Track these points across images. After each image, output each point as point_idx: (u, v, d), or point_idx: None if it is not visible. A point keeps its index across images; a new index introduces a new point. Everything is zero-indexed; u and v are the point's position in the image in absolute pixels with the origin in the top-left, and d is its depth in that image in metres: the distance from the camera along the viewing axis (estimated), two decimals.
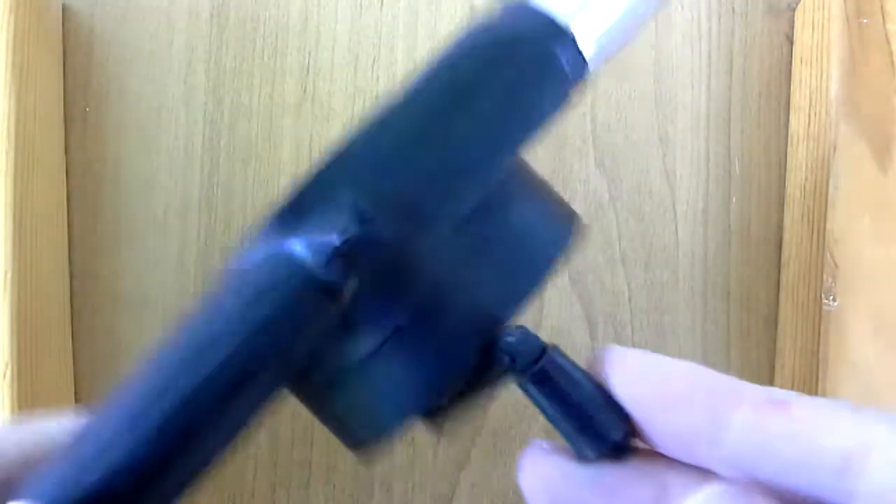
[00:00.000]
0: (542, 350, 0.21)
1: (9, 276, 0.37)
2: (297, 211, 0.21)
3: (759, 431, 0.19)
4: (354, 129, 0.22)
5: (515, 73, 0.22)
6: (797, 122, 0.45)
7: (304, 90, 0.46)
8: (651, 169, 0.45)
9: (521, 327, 0.21)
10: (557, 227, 0.23)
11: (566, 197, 0.45)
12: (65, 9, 0.45)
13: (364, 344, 0.21)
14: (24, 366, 0.37)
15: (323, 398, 0.22)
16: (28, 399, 0.38)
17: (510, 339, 0.21)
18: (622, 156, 0.46)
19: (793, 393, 0.19)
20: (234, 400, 0.19)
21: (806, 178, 0.43)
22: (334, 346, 0.21)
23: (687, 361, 0.20)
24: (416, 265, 0.21)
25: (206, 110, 0.45)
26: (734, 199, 0.46)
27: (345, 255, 0.20)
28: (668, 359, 0.20)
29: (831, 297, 0.40)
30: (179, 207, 0.45)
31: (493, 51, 0.23)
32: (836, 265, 0.40)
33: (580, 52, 0.24)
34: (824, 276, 0.40)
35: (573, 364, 0.21)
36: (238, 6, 0.46)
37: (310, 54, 0.46)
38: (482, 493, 0.44)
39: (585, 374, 0.21)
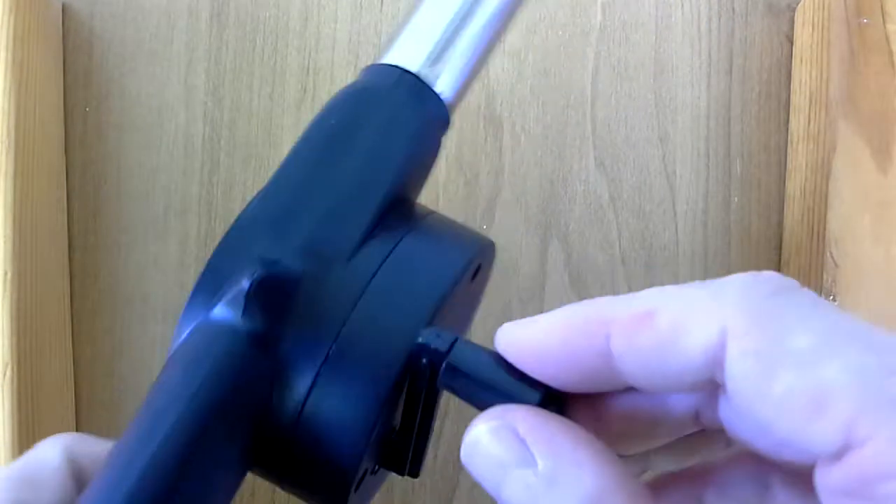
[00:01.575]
0: (452, 343, 0.22)
1: (9, 276, 0.37)
2: (210, 281, 0.23)
3: (633, 352, 0.19)
4: (251, 199, 0.24)
5: (379, 120, 0.26)
6: (797, 122, 0.45)
7: (304, 90, 0.46)
8: (651, 169, 0.45)
9: (432, 328, 0.22)
10: (457, 247, 0.25)
11: (566, 197, 0.45)
12: (65, 9, 0.45)
13: (299, 385, 0.22)
14: (24, 366, 0.37)
15: (281, 463, 0.23)
16: (28, 399, 0.38)
17: (420, 339, 0.22)
18: (622, 156, 0.46)
19: (653, 294, 0.19)
20: (191, 463, 0.20)
21: (806, 178, 0.43)
22: (273, 394, 0.22)
23: (563, 308, 0.21)
24: (327, 294, 0.23)
25: (206, 110, 0.45)
26: (734, 199, 0.46)
27: (257, 297, 0.21)
28: (544, 315, 0.21)
29: (831, 297, 0.40)
30: (179, 207, 0.45)
31: (357, 106, 0.26)
32: (836, 265, 0.40)
33: (436, 95, 0.27)
34: (824, 276, 0.40)
35: (480, 349, 0.22)
36: (238, 6, 0.46)
37: (310, 54, 0.46)
38: (482, 493, 0.44)
39: (493, 354, 0.22)
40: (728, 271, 0.45)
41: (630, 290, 0.45)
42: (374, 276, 0.23)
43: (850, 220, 0.40)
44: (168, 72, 0.45)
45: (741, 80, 0.46)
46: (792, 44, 0.46)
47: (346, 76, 0.45)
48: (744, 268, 0.45)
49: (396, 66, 0.27)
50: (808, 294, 0.18)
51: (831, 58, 0.41)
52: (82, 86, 0.45)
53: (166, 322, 0.44)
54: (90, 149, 0.45)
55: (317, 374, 0.22)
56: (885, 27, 0.41)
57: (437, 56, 0.27)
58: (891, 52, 0.41)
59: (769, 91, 0.46)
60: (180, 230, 0.45)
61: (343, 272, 0.23)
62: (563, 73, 0.46)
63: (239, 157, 0.45)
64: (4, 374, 0.36)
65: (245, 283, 0.22)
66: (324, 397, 0.22)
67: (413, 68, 0.27)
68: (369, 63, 0.44)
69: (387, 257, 0.23)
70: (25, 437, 0.37)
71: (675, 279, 0.45)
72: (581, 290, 0.45)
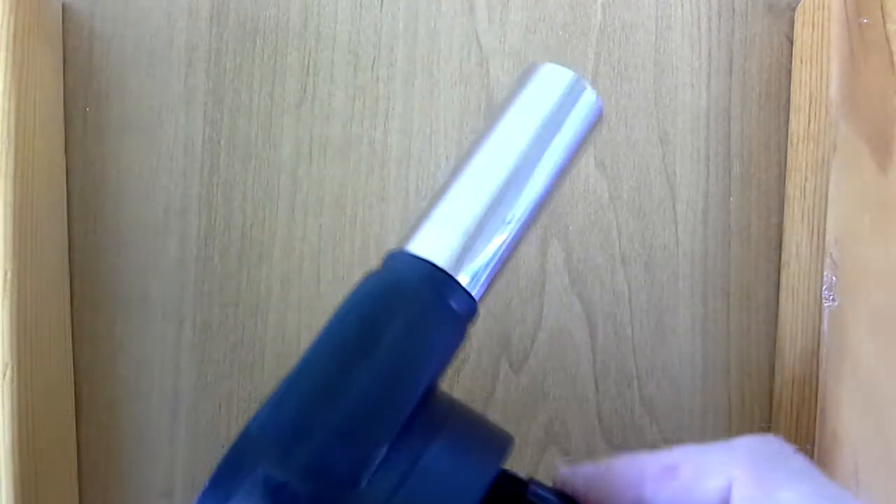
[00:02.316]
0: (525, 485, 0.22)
1: (9, 276, 0.37)
2: (217, 491, 0.21)
3: (662, 494, 0.24)
4: (264, 401, 0.23)
5: (405, 323, 0.24)
6: (797, 122, 0.45)
7: (304, 90, 0.46)
8: (651, 169, 0.45)
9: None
10: (483, 455, 0.24)
11: (566, 197, 0.45)
12: (65, 9, 0.45)
13: None
14: (24, 366, 0.37)
15: None
16: (28, 399, 0.38)
17: None
18: (622, 156, 0.46)
19: (677, 452, 0.25)
20: None
21: (806, 178, 0.43)
22: None
23: (610, 460, 0.26)
24: None
25: (206, 110, 0.45)
26: (734, 199, 0.46)
27: None
28: (592, 465, 0.26)
29: (831, 297, 0.40)
30: (179, 207, 0.45)
31: (381, 303, 0.24)
32: (836, 265, 0.40)
33: (466, 291, 0.25)
34: (824, 276, 0.40)
35: (548, 490, 0.23)
36: (238, 6, 0.46)
37: (310, 54, 0.46)
38: None
39: (559, 493, 0.23)
40: (728, 271, 0.45)
41: (630, 290, 0.45)
42: (396, 497, 0.21)
43: (850, 220, 0.40)
44: (168, 72, 0.45)
45: (741, 80, 0.46)
46: (792, 44, 0.46)
47: (346, 76, 0.45)
48: (744, 268, 0.45)
49: (424, 260, 0.25)
50: (800, 459, 0.24)
51: (831, 58, 0.41)
52: (82, 86, 0.45)
53: (166, 322, 0.44)
54: (90, 149, 0.45)
55: None
56: (885, 27, 0.41)
57: (468, 248, 0.25)
58: (891, 52, 0.41)
59: (769, 91, 0.46)
60: (180, 230, 0.45)
61: (356, 497, 0.21)
62: None
63: (239, 157, 0.45)
64: (4, 375, 0.36)
65: None
66: None
67: (442, 263, 0.25)
68: (369, 63, 0.44)
69: (404, 480, 0.22)
70: (25, 437, 0.37)
71: (675, 279, 0.45)
72: (581, 290, 0.45)
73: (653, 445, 0.44)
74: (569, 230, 0.45)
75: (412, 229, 0.26)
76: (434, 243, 0.25)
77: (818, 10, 0.43)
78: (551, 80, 0.28)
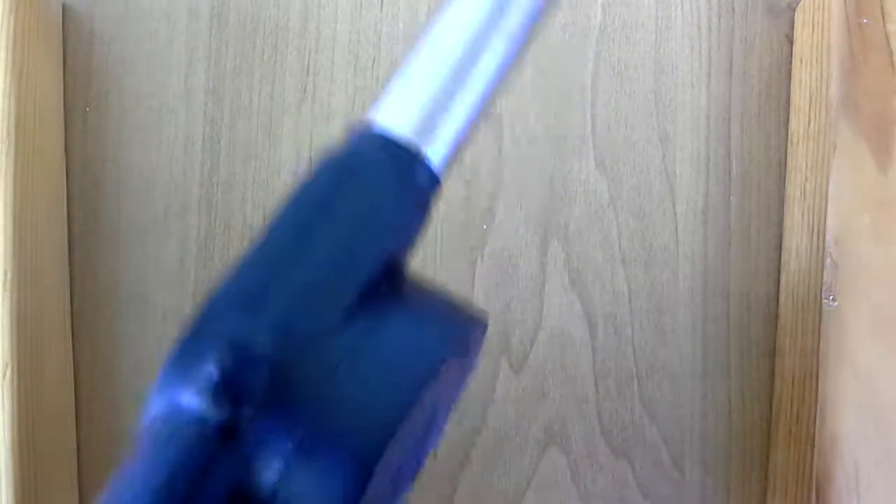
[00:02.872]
0: None
1: (9, 276, 0.37)
2: (179, 361, 0.22)
3: None
4: (225, 272, 0.23)
5: (362, 193, 0.24)
6: (797, 122, 0.45)
7: (304, 90, 0.46)
8: (651, 169, 0.45)
9: None
10: (446, 327, 0.24)
11: (566, 197, 0.45)
12: (65, 9, 0.45)
13: (270, 474, 0.21)
14: (24, 366, 0.37)
15: None
16: (28, 399, 0.38)
17: None
18: (622, 156, 0.46)
19: None
20: None
21: (806, 178, 0.43)
22: (245, 484, 0.21)
23: None
24: (302, 377, 0.21)
25: (206, 110, 0.45)
26: (734, 199, 0.46)
27: (225, 385, 0.21)
28: None
29: (831, 297, 0.40)
30: (179, 207, 0.45)
31: (339, 174, 0.24)
32: (836, 265, 0.40)
33: (426, 162, 0.25)
34: (824, 276, 0.40)
35: None
36: (238, 6, 0.46)
37: (310, 54, 0.46)
38: (482, 493, 0.44)
39: None
40: (728, 271, 0.45)
41: (630, 290, 0.45)
42: (351, 360, 0.22)
43: (850, 220, 0.40)
44: (168, 72, 0.45)
45: (741, 80, 0.46)
46: (792, 44, 0.46)
47: (346, 76, 0.45)
48: (744, 268, 0.45)
49: (382, 132, 0.25)
50: None
51: (831, 58, 0.41)
52: (82, 86, 0.45)
53: (166, 322, 0.44)
54: (90, 149, 0.45)
55: (288, 465, 0.21)
56: (885, 27, 0.41)
57: (428, 118, 0.25)
58: (891, 52, 0.41)
59: (769, 91, 0.46)
60: (180, 230, 0.45)
61: (318, 355, 0.22)
62: (563, 73, 0.46)
63: (239, 157, 0.45)
64: (4, 375, 0.36)
65: (212, 370, 0.21)
66: (296, 488, 0.21)
67: (401, 133, 0.25)
68: (369, 63, 0.44)
69: (366, 338, 0.22)
70: (25, 437, 0.37)
71: (675, 279, 0.45)
72: (581, 290, 0.45)
73: (653, 445, 0.44)
74: (569, 230, 0.45)
75: (376, 100, 0.26)
76: (392, 114, 0.25)
77: (818, 10, 0.43)
78: None
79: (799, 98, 0.45)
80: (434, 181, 0.26)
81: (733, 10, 0.46)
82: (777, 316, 0.45)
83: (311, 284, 0.23)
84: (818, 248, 0.41)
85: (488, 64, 0.26)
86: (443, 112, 0.26)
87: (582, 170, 0.45)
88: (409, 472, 0.25)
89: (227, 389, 0.21)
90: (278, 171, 0.45)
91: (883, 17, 0.41)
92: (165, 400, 0.21)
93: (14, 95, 0.38)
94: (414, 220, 0.25)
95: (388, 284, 0.24)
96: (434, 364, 0.23)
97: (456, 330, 0.24)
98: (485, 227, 0.45)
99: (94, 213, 0.44)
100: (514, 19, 0.27)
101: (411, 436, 0.23)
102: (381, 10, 0.46)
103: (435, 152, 0.25)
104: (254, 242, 0.24)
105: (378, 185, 0.24)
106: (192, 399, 0.21)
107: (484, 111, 0.27)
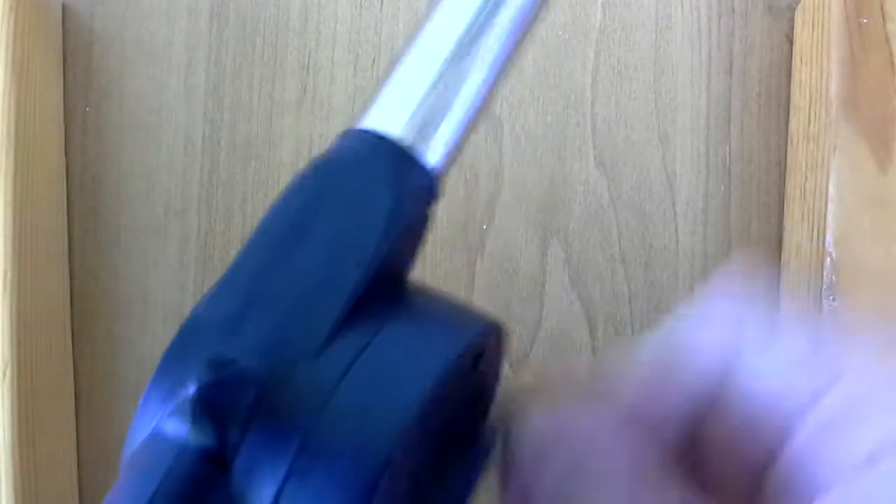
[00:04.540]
0: None
1: (9, 276, 0.37)
2: (161, 384, 0.20)
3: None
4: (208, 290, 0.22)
5: (351, 199, 0.22)
6: (797, 122, 0.45)
7: (304, 90, 0.46)
8: (651, 169, 0.45)
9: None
10: (449, 334, 0.22)
11: (566, 197, 0.45)
12: (65, 9, 0.45)
13: (265, 495, 0.19)
14: (24, 366, 0.37)
15: None
16: (28, 399, 0.38)
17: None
18: (622, 156, 0.46)
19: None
20: None
21: (806, 178, 0.43)
22: None
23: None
24: (291, 397, 0.20)
25: (206, 110, 0.45)
26: (734, 199, 0.46)
27: (205, 407, 0.19)
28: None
29: (831, 297, 0.40)
30: (179, 207, 0.45)
31: (326, 179, 0.23)
32: (836, 265, 0.40)
33: (422, 165, 0.24)
34: (824, 276, 0.40)
35: None
36: (238, 6, 0.46)
37: (310, 54, 0.46)
38: (482, 492, 0.44)
39: None
40: None
41: (630, 290, 0.45)
42: (345, 374, 0.20)
43: (850, 220, 0.40)
44: (168, 72, 0.45)
45: (741, 80, 0.46)
46: (792, 44, 0.46)
47: (346, 76, 0.45)
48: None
49: (373, 132, 0.24)
50: None
51: (831, 58, 0.41)
52: (82, 86, 0.45)
53: (166, 322, 0.44)
54: (90, 149, 0.45)
55: (280, 490, 0.19)
56: (885, 27, 0.41)
57: (423, 117, 0.24)
58: (891, 52, 0.41)
59: (769, 91, 0.46)
60: (180, 230, 0.45)
61: (310, 371, 0.20)
62: (563, 73, 0.46)
63: (239, 157, 0.45)
64: (4, 374, 0.36)
65: (191, 390, 0.19)
66: None
67: (394, 134, 0.24)
68: (369, 63, 0.44)
69: (362, 351, 0.21)
70: (25, 437, 0.37)
71: (675, 279, 0.45)
72: (581, 290, 0.45)
73: None
74: (569, 230, 0.45)
75: (366, 104, 0.25)
76: (384, 114, 0.24)
77: (818, 10, 0.43)
78: None
79: (799, 98, 0.45)
80: (432, 183, 0.24)
81: (733, 10, 0.46)
82: None
83: (301, 296, 0.21)
84: (818, 248, 0.41)
85: (484, 61, 0.25)
86: (439, 111, 0.24)
87: (582, 170, 0.45)
88: (429, 489, 0.23)
89: (211, 411, 0.19)
90: (278, 171, 0.45)
91: (883, 16, 0.41)
92: (147, 425, 0.20)
93: (14, 95, 0.38)
94: (409, 227, 0.23)
95: (386, 291, 0.22)
96: (435, 372, 0.21)
97: (463, 330, 0.23)
98: (485, 227, 0.45)
99: (94, 213, 0.44)
100: (507, 15, 0.25)
101: (422, 448, 0.21)
102: (381, 10, 0.46)
103: (432, 153, 0.24)
104: (236, 258, 0.22)
105: (371, 188, 0.23)
106: (173, 423, 0.19)
107: (482, 110, 0.26)
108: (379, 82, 0.25)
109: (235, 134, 0.45)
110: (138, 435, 0.20)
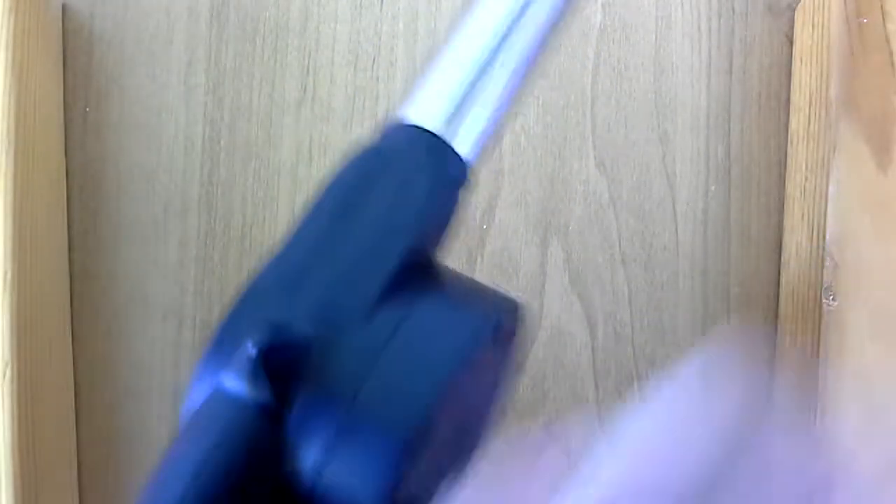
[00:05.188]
0: None
1: (9, 276, 0.37)
2: (221, 344, 0.22)
3: None
4: (264, 258, 0.24)
5: (393, 184, 0.25)
6: (797, 122, 0.45)
7: (304, 90, 0.46)
8: (651, 169, 0.45)
9: None
10: (477, 310, 0.24)
11: (566, 197, 0.45)
12: (65, 9, 0.45)
13: (312, 455, 0.21)
14: (24, 366, 0.37)
15: None
16: (28, 399, 0.38)
17: None
18: (622, 156, 0.46)
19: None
20: None
21: (806, 178, 0.43)
22: (286, 466, 0.21)
23: None
24: (340, 360, 0.22)
25: (206, 110, 0.45)
26: (734, 199, 0.46)
27: (265, 365, 0.21)
28: None
29: (831, 297, 0.40)
30: (179, 207, 0.45)
31: (372, 166, 0.26)
32: (836, 265, 0.40)
33: (457, 155, 0.26)
34: (824, 276, 0.40)
35: None
36: (238, 6, 0.46)
37: (310, 54, 0.46)
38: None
39: None
40: (728, 271, 0.45)
41: (630, 290, 0.45)
42: (388, 342, 0.22)
43: (850, 220, 0.40)
44: (168, 72, 0.45)
45: (741, 80, 0.46)
46: (792, 44, 0.46)
47: (346, 76, 0.45)
48: (744, 268, 0.45)
49: (413, 125, 0.26)
50: None
51: (831, 58, 0.41)
52: (82, 86, 0.45)
53: (166, 322, 0.44)
54: (90, 149, 0.45)
55: (330, 445, 0.21)
56: (885, 27, 0.41)
57: (457, 113, 0.27)
58: (891, 52, 0.41)
59: (769, 91, 0.46)
60: (180, 230, 0.45)
61: (356, 337, 0.22)
62: (563, 73, 0.46)
63: (239, 157, 0.45)
64: (4, 374, 0.36)
65: (252, 350, 0.21)
66: (339, 468, 0.21)
67: (431, 127, 0.26)
68: (369, 63, 0.44)
69: (402, 321, 0.23)
70: (25, 437, 0.37)
71: (675, 279, 0.45)
72: (581, 290, 0.45)
73: None
74: (569, 230, 0.45)
75: (405, 98, 0.27)
76: (422, 109, 0.27)
77: (818, 10, 0.43)
78: None
79: (799, 98, 0.45)
80: (465, 172, 0.27)
81: (733, 10, 0.46)
82: (777, 316, 0.45)
83: (349, 268, 0.23)
84: (818, 248, 0.41)
85: (514, 59, 0.27)
86: (472, 106, 0.27)
87: (582, 170, 0.45)
88: (454, 461, 0.25)
89: (268, 370, 0.21)
90: (278, 171, 0.45)
91: (883, 16, 0.41)
92: (207, 384, 0.22)
93: (14, 95, 0.38)
94: (444, 212, 0.26)
95: (420, 271, 0.25)
96: (468, 344, 0.23)
97: (489, 311, 0.25)
98: (485, 227, 0.45)
99: (94, 213, 0.44)
100: (538, 14, 0.28)
101: (453, 417, 0.23)
102: (381, 10, 0.46)
103: (465, 145, 0.26)
104: (291, 229, 0.24)
105: (411, 175, 0.25)
106: (232, 381, 0.21)
107: (513, 106, 0.28)
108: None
109: (235, 134, 0.45)
110: (196, 393, 0.22)
